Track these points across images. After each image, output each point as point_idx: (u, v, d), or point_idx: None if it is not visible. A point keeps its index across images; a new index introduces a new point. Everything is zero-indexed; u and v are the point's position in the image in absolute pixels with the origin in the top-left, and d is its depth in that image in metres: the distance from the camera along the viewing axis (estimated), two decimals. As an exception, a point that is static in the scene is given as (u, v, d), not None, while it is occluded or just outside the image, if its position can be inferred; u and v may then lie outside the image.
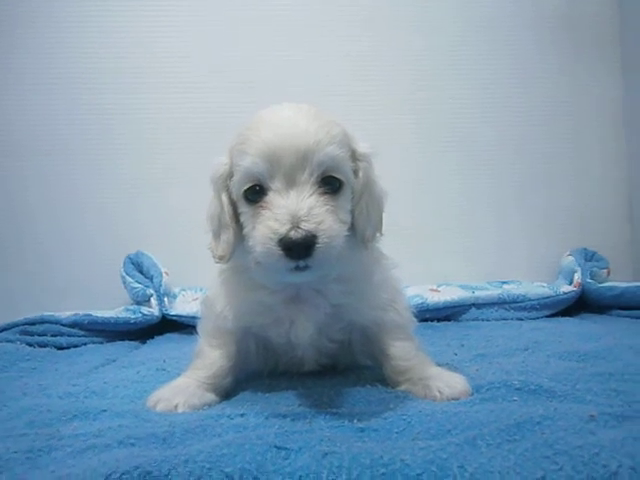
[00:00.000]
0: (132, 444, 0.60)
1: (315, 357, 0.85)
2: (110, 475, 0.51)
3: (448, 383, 0.76)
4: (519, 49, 1.65)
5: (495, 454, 0.53)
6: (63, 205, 1.58)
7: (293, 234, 0.64)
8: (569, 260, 1.52)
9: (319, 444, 0.57)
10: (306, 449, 0.55)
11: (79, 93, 1.59)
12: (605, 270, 1.52)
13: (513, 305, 1.43)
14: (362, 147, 0.77)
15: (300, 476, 0.51)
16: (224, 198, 0.76)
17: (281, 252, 0.65)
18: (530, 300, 1.42)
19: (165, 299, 1.38)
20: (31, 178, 1.58)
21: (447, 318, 1.43)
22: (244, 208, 0.73)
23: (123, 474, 0.51)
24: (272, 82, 1.59)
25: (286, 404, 0.74)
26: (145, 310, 1.36)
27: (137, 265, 1.47)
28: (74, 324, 1.28)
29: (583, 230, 1.64)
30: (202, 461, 0.53)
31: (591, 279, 1.44)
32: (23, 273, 1.58)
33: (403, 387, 0.79)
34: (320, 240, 0.65)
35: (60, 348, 1.22)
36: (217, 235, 0.78)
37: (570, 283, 1.46)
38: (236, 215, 0.75)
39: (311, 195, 0.68)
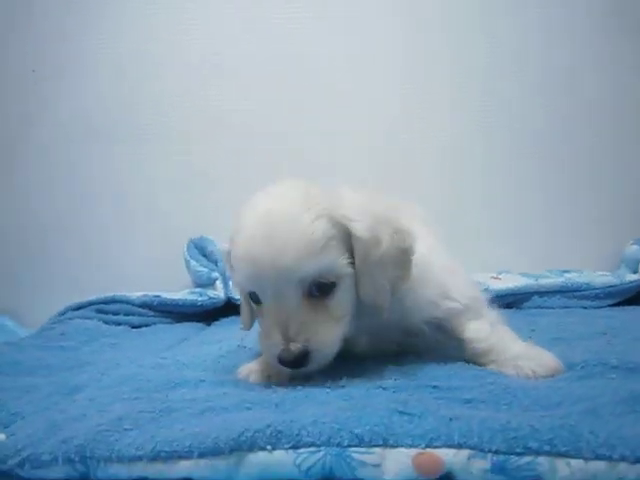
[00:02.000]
0: (248, 408, 0.62)
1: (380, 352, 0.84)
2: (243, 432, 0.53)
3: (539, 361, 0.75)
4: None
5: (622, 423, 0.53)
6: (128, 189, 1.62)
7: (285, 356, 0.67)
8: (633, 249, 1.50)
9: (438, 411, 0.57)
10: (429, 414, 0.55)
11: (144, 80, 1.61)
12: (671, 260, 1.49)
13: (577, 294, 1.41)
14: (355, 227, 0.70)
15: (431, 438, 0.51)
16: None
17: (279, 364, 0.69)
18: (594, 289, 1.40)
19: (230, 283, 1.40)
20: (98, 162, 1.62)
21: (509, 306, 1.42)
22: (250, 301, 0.77)
23: (256, 432, 0.53)
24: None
25: (380, 378, 0.75)
26: (211, 293, 1.38)
27: (201, 249, 1.50)
28: (144, 304, 1.31)
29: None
30: (330, 422, 0.54)
31: (657, 268, 1.42)
32: (87, 254, 1.62)
33: (492, 367, 0.77)
34: (313, 353, 0.68)
35: (133, 327, 1.25)
36: (242, 304, 0.84)
37: (635, 272, 1.44)
38: None
39: (299, 310, 0.68)
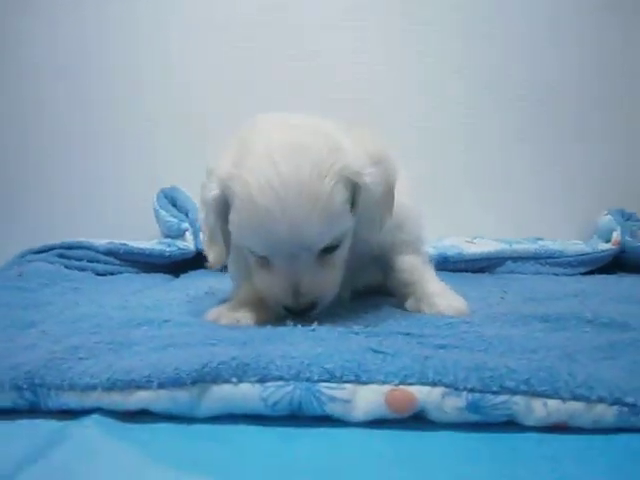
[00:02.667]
0: (213, 344, 0.58)
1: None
2: (207, 364, 0.50)
3: (451, 302, 0.79)
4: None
5: (599, 366, 0.52)
6: (98, 134, 1.55)
7: (295, 307, 0.70)
8: (607, 219, 1.50)
9: (413, 350, 0.55)
10: (403, 353, 0.53)
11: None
12: (644, 231, 1.50)
13: (549, 260, 1.41)
14: (365, 181, 0.71)
15: (405, 375, 0.49)
16: (215, 222, 0.73)
17: (285, 312, 0.71)
18: (567, 256, 1.40)
19: (200, 234, 1.35)
20: (67, 102, 1.54)
21: (482, 270, 1.42)
22: (246, 252, 0.73)
23: (220, 363, 0.50)
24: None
25: (352, 324, 0.72)
26: (180, 244, 1.33)
27: (171, 199, 1.45)
28: (109, 252, 1.26)
29: (620, 190, 1.61)
30: (300, 357, 0.51)
31: (630, 238, 1.42)
32: (54, 200, 1.55)
33: (408, 302, 0.81)
34: (320, 302, 0.71)
35: (97, 274, 1.20)
36: (209, 243, 0.78)
37: (607, 242, 1.45)
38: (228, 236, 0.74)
39: (310, 268, 0.69)
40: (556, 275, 1.38)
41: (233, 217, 0.69)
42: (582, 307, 0.84)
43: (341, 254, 0.73)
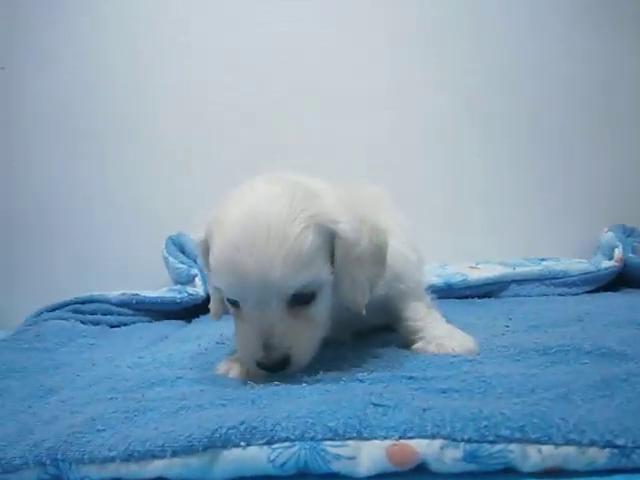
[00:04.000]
0: (223, 405, 0.61)
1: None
2: (217, 430, 0.52)
3: (459, 342, 0.81)
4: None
5: (592, 407, 0.54)
6: (101, 188, 1.60)
7: (266, 362, 0.68)
8: (609, 236, 1.51)
9: (412, 402, 0.57)
10: (402, 406, 0.56)
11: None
12: (646, 246, 1.51)
13: (554, 281, 1.42)
14: (341, 228, 0.70)
15: (404, 429, 0.52)
16: (206, 268, 0.77)
17: (258, 369, 0.70)
18: (571, 276, 1.42)
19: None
20: (80, 162, 1.60)
21: (487, 295, 1.43)
22: (226, 301, 0.74)
23: (229, 429, 0.52)
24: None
25: (356, 370, 0.75)
26: (190, 290, 1.37)
27: (179, 246, 1.49)
28: (122, 303, 1.29)
29: (620, 206, 1.63)
30: (304, 417, 0.54)
31: (632, 254, 1.44)
32: (65, 254, 1.60)
33: (417, 345, 0.83)
34: (292, 357, 0.69)
35: (111, 326, 1.24)
36: (211, 295, 0.83)
37: (610, 259, 1.46)
38: None
39: (281, 319, 0.68)
40: (561, 295, 1.39)
41: (211, 259, 0.71)
42: (583, 336, 0.86)
43: (318, 309, 0.72)
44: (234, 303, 0.71)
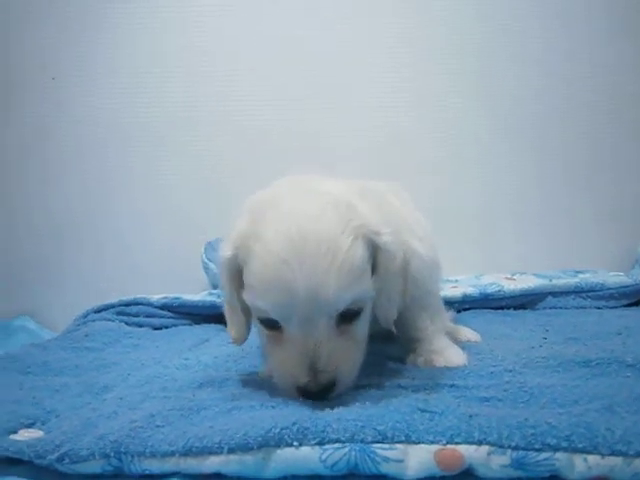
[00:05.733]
0: (273, 407, 0.64)
1: None
2: (271, 429, 0.55)
3: (447, 359, 0.81)
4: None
5: (637, 420, 0.55)
6: (144, 190, 1.64)
7: (312, 387, 0.63)
8: (648, 249, 1.50)
9: (458, 409, 0.59)
10: (449, 412, 0.58)
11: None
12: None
13: (591, 294, 1.41)
14: (384, 240, 0.68)
15: (451, 435, 0.53)
16: (230, 288, 0.71)
17: (299, 395, 0.65)
18: (609, 289, 1.41)
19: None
20: (114, 162, 1.64)
21: (523, 306, 1.43)
22: (259, 326, 0.70)
23: (283, 429, 0.55)
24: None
25: (398, 378, 0.77)
26: (229, 294, 1.40)
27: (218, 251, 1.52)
28: (164, 306, 1.33)
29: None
30: (354, 420, 0.56)
31: (672, 268, 1.42)
32: (104, 255, 1.64)
33: (410, 357, 0.83)
34: (338, 383, 0.65)
35: (154, 328, 1.28)
36: (230, 317, 0.75)
37: (649, 272, 1.45)
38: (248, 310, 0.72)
39: (328, 339, 0.64)
40: (599, 309, 1.38)
41: (248, 277, 0.66)
42: (624, 348, 0.86)
43: (362, 326, 0.69)
44: (272, 325, 0.67)
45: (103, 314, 1.25)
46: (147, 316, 1.30)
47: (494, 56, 1.63)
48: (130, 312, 1.29)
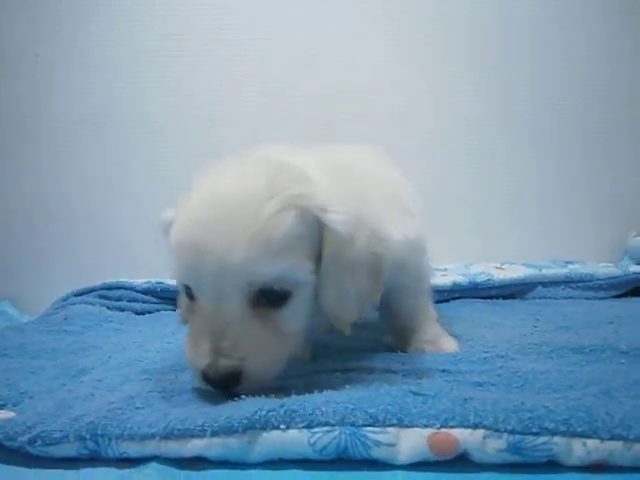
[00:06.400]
0: (258, 389, 0.61)
1: None
2: (256, 412, 0.52)
3: (439, 346, 0.78)
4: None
5: (636, 404, 0.53)
6: (132, 176, 1.60)
7: (211, 373, 0.55)
8: (637, 240, 1.50)
9: (451, 392, 0.57)
10: (442, 395, 0.55)
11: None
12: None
13: (580, 284, 1.40)
14: (331, 218, 0.59)
15: (446, 418, 0.51)
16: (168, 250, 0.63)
17: (204, 382, 0.57)
18: (598, 280, 1.40)
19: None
20: (106, 147, 1.60)
21: (512, 296, 1.42)
22: (184, 294, 0.63)
23: (269, 411, 0.52)
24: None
25: (389, 362, 0.74)
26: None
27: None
28: (147, 291, 1.30)
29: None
30: (343, 402, 0.53)
31: (661, 260, 1.42)
32: (90, 241, 1.60)
33: (400, 347, 0.79)
34: (245, 374, 0.56)
35: (136, 313, 1.24)
36: (180, 292, 0.67)
37: (638, 263, 1.44)
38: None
39: (240, 319, 0.56)
40: (588, 299, 1.38)
41: (171, 238, 0.60)
42: (616, 337, 0.85)
43: (292, 315, 0.59)
44: (189, 294, 0.60)
45: (84, 297, 1.21)
46: (130, 300, 1.26)
47: (487, 50, 1.61)
48: (112, 296, 1.26)
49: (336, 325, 0.63)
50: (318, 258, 0.59)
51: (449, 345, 0.80)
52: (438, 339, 0.80)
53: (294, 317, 0.59)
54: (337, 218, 0.58)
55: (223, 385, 0.56)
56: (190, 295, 0.60)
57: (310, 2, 1.58)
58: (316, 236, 0.59)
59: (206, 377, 0.56)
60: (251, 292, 0.56)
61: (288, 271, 0.56)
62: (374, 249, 0.62)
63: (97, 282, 1.31)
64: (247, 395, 0.55)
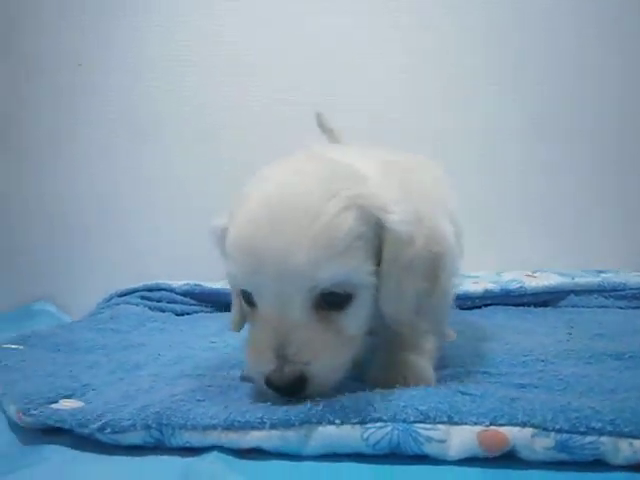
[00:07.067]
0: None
1: None
2: (312, 407, 0.55)
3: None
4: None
5: (681, 408, 0.55)
6: (170, 177, 1.64)
7: (276, 379, 0.54)
8: (671, 250, 1.49)
9: (497, 392, 0.59)
10: (490, 395, 0.57)
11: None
12: None
13: (613, 293, 1.41)
14: (391, 219, 0.57)
15: (495, 416, 0.53)
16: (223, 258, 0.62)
17: (267, 389, 0.56)
18: (631, 289, 1.40)
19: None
20: (142, 150, 1.64)
21: (544, 304, 1.42)
22: (243, 301, 0.62)
23: (325, 406, 0.55)
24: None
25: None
26: (249, 283, 1.40)
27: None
28: (186, 293, 1.34)
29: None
30: (395, 400, 0.56)
31: (696, 270, 1.41)
32: (128, 242, 1.64)
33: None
34: (310, 380, 0.55)
35: (176, 314, 1.28)
36: (233, 299, 0.68)
37: (672, 273, 1.44)
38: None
39: (303, 324, 0.55)
40: (621, 308, 1.38)
41: (227, 243, 0.58)
42: (655, 344, 0.86)
43: (354, 317, 0.58)
44: (249, 300, 0.59)
45: (127, 298, 1.25)
46: (169, 302, 1.30)
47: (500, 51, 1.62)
48: (153, 297, 1.30)
49: (393, 326, 0.62)
50: (376, 258, 0.58)
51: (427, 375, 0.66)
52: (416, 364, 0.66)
53: (356, 320, 0.58)
54: (396, 218, 0.57)
55: (289, 391, 0.55)
56: (249, 301, 0.59)
57: (322, 9, 1.60)
58: (375, 236, 0.58)
59: (271, 383, 0.55)
60: (314, 296, 0.55)
61: (351, 273, 0.55)
62: (432, 247, 0.60)
63: (131, 282, 1.35)
64: (312, 400, 0.55)
